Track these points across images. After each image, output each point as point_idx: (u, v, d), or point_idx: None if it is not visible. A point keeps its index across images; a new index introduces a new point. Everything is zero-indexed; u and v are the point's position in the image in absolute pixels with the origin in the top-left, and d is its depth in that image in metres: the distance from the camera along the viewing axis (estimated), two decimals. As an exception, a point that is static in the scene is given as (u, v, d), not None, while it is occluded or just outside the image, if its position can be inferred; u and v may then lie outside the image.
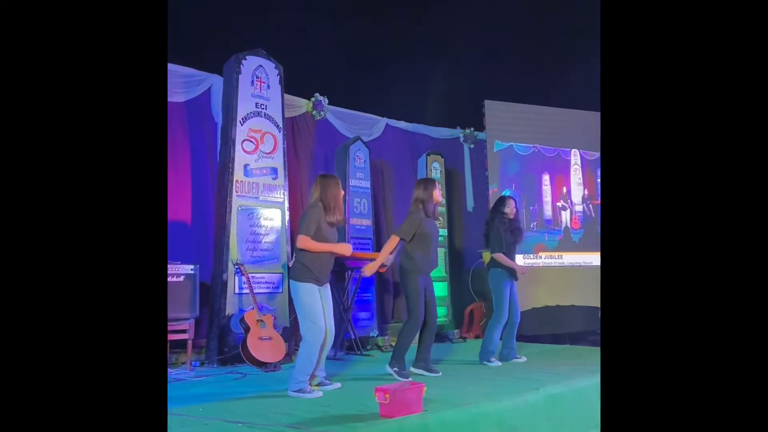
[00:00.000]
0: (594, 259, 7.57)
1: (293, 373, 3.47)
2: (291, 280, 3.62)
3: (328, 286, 3.70)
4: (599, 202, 7.87)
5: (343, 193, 3.76)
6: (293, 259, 3.66)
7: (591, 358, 4.68)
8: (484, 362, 4.54)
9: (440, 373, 4.11)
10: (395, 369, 4.00)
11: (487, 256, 6.98)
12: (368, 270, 4.11)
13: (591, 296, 7.03)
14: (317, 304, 3.53)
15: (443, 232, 7.08)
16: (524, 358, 4.70)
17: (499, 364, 4.53)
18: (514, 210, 4.81)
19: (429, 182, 4.26)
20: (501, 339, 4.71)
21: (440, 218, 7.07)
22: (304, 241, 3.52)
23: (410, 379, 3.89)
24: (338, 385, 3.70)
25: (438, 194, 4.22)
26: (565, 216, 7.65)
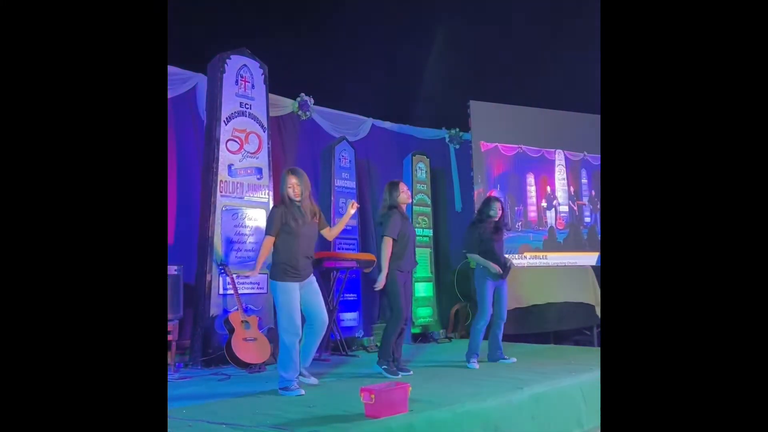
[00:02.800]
0: (578, 258, 7.62)
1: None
2: (273, 280, 3.65)
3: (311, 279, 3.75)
4: (584, 202, 7.94)
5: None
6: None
7: (574, 357, 4.71)
8: (468, 363, 4.53)
9: (411, 372, 4.14)
10: (384, 367, 4.04)
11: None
12: (381, 284, 4.13)
13: (575, 296, 7.08)
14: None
15: (428, 232, 7.11)
16: (514, 359, 4.64)
17: (477, 367, 4.44)
18: (500, 212, 4.80)
19: (393, 185, 4.30)
20: (486, 339, 4.71)
21: (426, 218, 7.09)
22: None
23: (400, 375, 3.98)
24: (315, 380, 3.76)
25: (405, 196, 4.28)
26: (550, 216, 7.70)
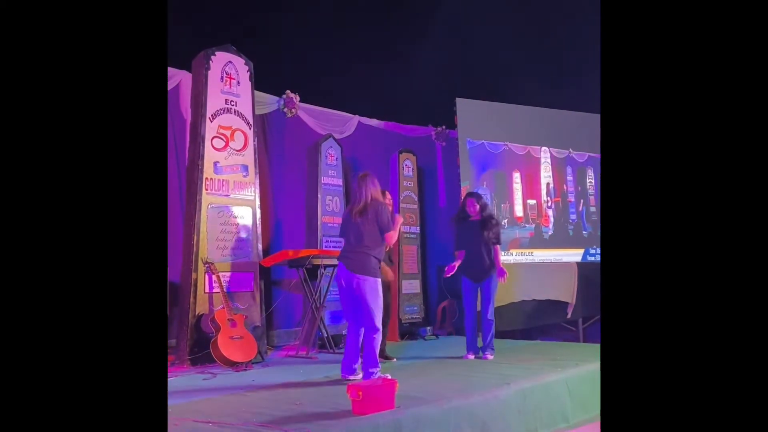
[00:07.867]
0: (564, 255, 7.67)
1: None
2: (370, 277, 3.69)
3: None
4: (570, 199, 7.99)
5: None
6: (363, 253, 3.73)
7: (560, 353, 4.75)
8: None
9: (395, 359, 4.50)
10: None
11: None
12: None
13: (561, 292, 7.13)
14: None
15: (415, 229, 7.12)
16: (490, 357, 4.63)
17: (471, 358, 4.65)
18: (475, 208, 4.76)
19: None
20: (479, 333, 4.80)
21: (413, 216, 7.10)
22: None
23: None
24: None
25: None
26: (538, 213, 7.74)
